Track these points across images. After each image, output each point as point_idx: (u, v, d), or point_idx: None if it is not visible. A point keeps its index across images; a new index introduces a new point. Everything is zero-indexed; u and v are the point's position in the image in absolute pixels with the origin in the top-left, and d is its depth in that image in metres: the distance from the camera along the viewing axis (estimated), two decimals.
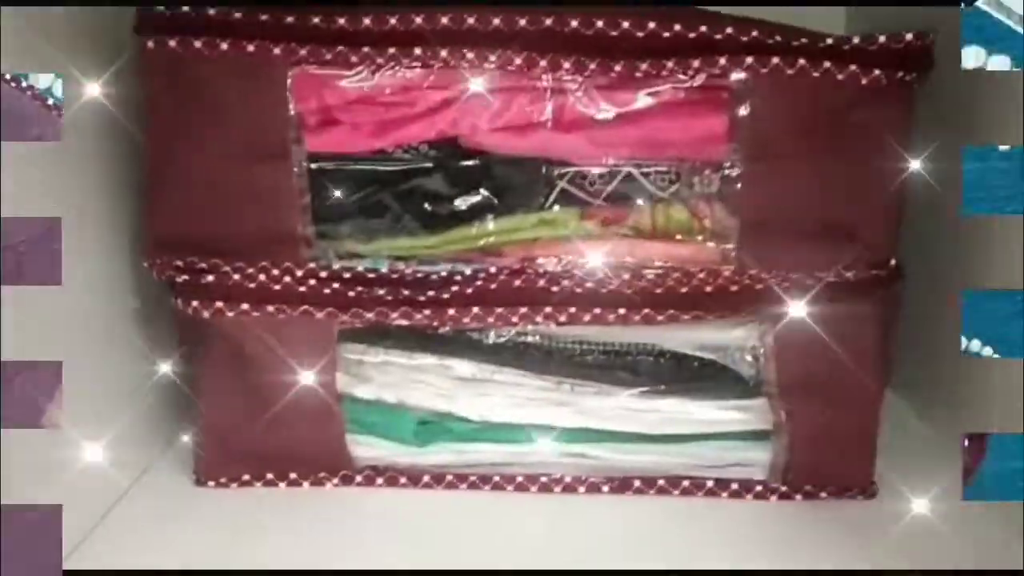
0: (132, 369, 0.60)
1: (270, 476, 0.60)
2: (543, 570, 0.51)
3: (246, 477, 0.60)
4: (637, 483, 0.59)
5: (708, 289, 0.56)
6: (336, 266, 0.57)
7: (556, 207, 0.57)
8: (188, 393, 0.59)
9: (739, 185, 0.54)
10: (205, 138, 0.54)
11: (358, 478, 0.60)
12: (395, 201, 0.56)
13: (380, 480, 0.60)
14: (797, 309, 0.55)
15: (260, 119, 0.53)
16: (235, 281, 0.56)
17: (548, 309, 0.56)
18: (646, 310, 0.56)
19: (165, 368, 0.61)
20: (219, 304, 0.56)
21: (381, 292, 0.56)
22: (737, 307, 0.56)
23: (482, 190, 0.56)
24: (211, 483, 0.60)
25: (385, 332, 0.58)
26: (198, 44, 0.52)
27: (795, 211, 0.54)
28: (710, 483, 0.59)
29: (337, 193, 0.56)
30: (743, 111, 0.53)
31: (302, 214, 0.55)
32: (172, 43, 0.53)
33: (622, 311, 0.56)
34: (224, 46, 0.52)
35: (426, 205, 0.56)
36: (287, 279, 0.56)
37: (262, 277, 0.56)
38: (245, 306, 0.56)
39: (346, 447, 0.59)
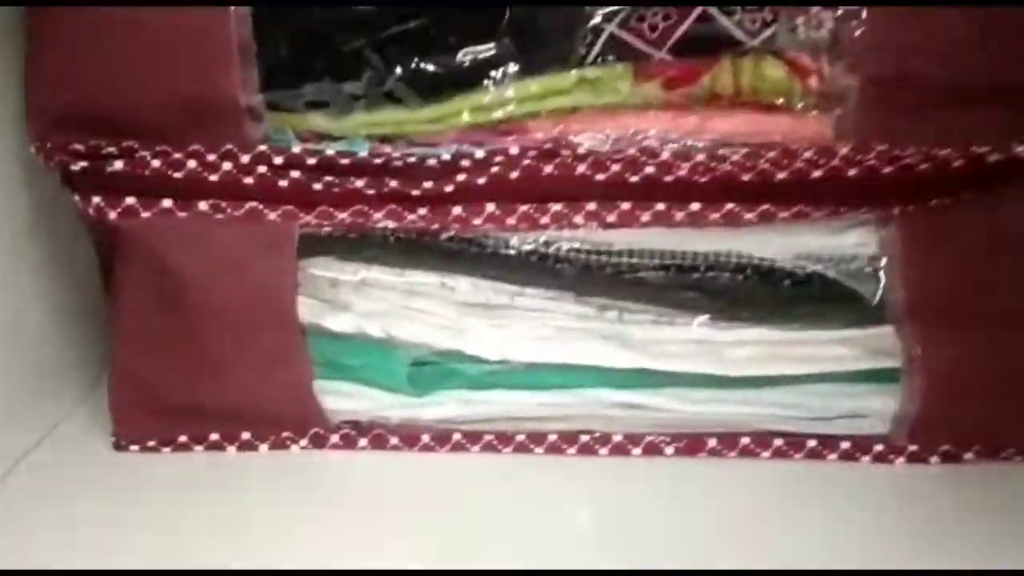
0: (36, 298, 0.45)
1: (214, 437, 0.45)
2: (585, 571, 0.36)
3: (182, 439, 0.45)
4: (712, 443, 0.44)
5: (815, 175, 0.40)
6: (296, 149, 0.41)
7: (602, 62, 0.41)
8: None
9: (862, 27, 0.39)
10: None
11: (334, 438, 0.45)
12: (376, 54, 0.40)
13: (363, 441, 0.45)
14: (940, 199, 0.40)
15: None
16: (154, 169, 0.40)
17: (591, 206, 0.41)
18: (729, 205, 0.40)
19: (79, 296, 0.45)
20: (130, 201, 0.40)
21: (359, 184, 0.40)
22: (855, 200, 0.41)
23: (499, 39, 0.40)
24: (134, 447, 0.45)
25: (366, 241, 0.43)
26: None
27: (944, 61, 0.39)
28: (812, 442, 0.43)
29: (293, 44, 0.40)
30: None
31: (244, 75, 0.40)
32: None
33: (694, 207, 0.40)
34: None
35: (420, 60, 0.40)
36: (227, 166, 0.40)
37: (192, 164, 0.40)
38: (167, 203, 0.40)
39: (315, 398, 0.43)
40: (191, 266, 0.40)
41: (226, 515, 0.40)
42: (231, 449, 0.45)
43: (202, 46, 0.39)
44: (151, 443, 0.45)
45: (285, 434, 0.45)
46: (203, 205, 0.40)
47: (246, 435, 0.45)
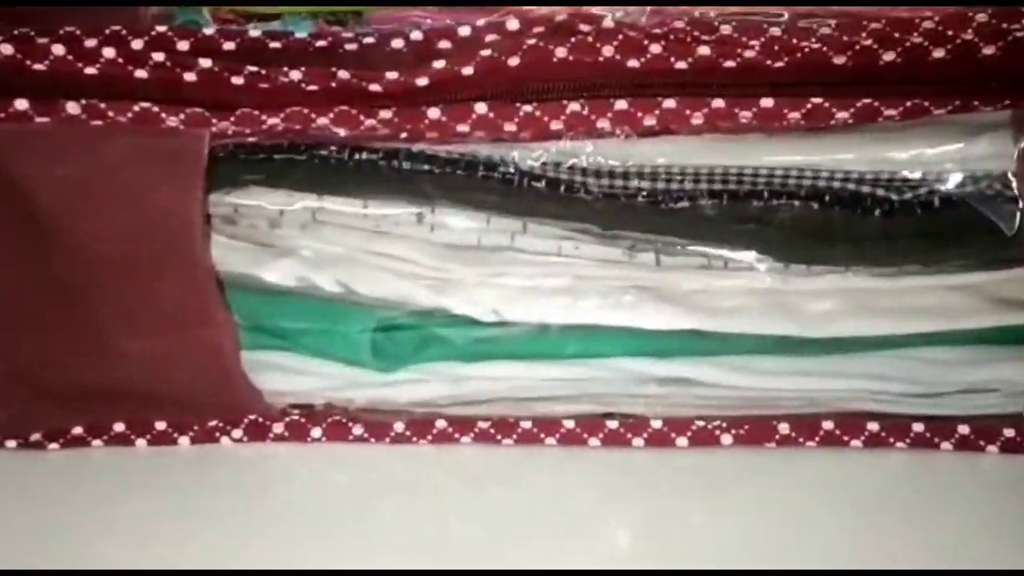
0: None
1: (119, 428, 0.34)
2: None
3: (76, 431, 0.34)
4: (784, 428, 0.33)
5: (937, 55, 0.28)
6: (209, 30, 0.29)
7: None
8: None
9: None
10: None
11: (278, 428, 0.34)
12: None
13: (317, 431, 0.34)
14: None
15: None
16: (5, 59, 0.28)
17: (621, 104, 0.30)
18: (815, 100, 0.29)
19: None
20: None
21: (296, 76, 0.29)
22: (995, 85, 0.29)
23: None
24: (11, 443, 0.33)
25: (314, 161, 0.31)
26: None
27: None
28: (919, 426, 0.32)
29: None
30: None
31: None
32: None
33: (766, 103, 0.29)
34: None
35: None
36: (109, 52, 0.29)
37: (59, 50, 0.28)
38: (21, 104, 0.28)
39: (244, 375, 0.32)
40: (58, 193, 0.29)
41: (136, 530, 0.30)
42: (141, 443, 0.34)
43: None
44: (34, 437, 0.33)
45: (212, 423, 0.34)
46: (73, 107, 0.28)
47: (160, 425, 0.34)
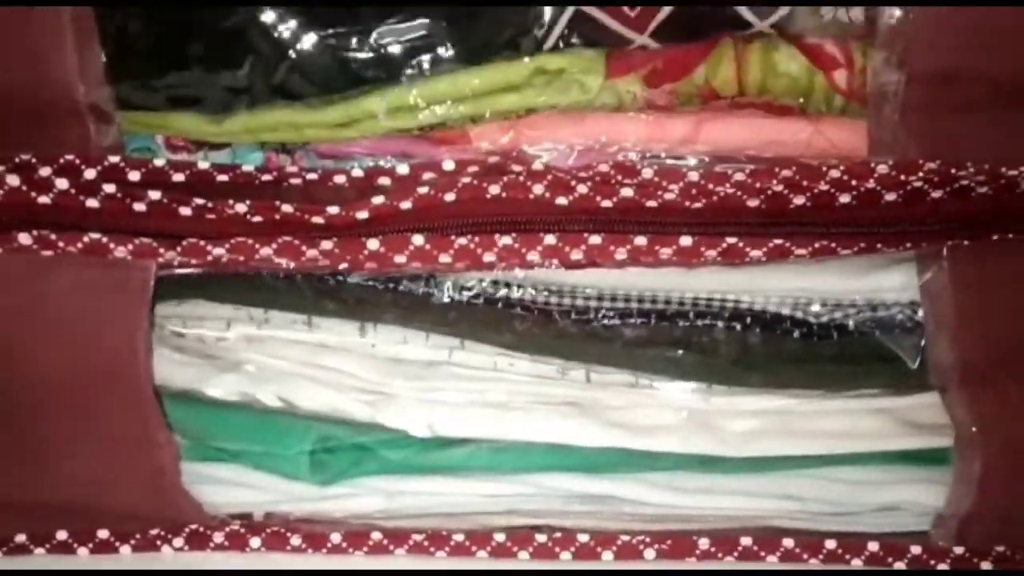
0: None
1: (61, 536, 0.34)
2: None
3: (18, 539, 0.34)
4: (704, 543, 0.34)
5: (843, 200, 0.30)
6: (159, 161, 0.31)
7: (566, 48, 0.31)
8: None
9: (911, 7, 0.29)
10: None
11: (218, 537, 0.35)
12: (263, 35, 0.30)
13: (256, 541, 0.35)
14: (1004, 232, 0.31)
15: None
16: None
17: (550, 239, 0.31)
18: (730, 239, 0.31)
19: None
20: None
21: (241, 209, 0.30)
22: (895, 233, 0.31)
23: (426, 14, 0.30)
24: None
25: (258, 276, 0.33)
26: None
27: (1016, 50, 0.29)
28: (832, 543, 0.34)
29: (150, 18, 0.30)
30: None
31: (82, 59, 0.30)
32: None
33: (685, 242, 0.31)
34: None
35: (322, 42, 0.30)
36: (62, 184, 0.30)
37: (13, 180, 0.30)
38: None
39: (181, 487, 0.34)
40: (8, 321, 0.30)
41: None
42: (83, 551, 0.34)
43: (21, 20, 0.29)
44: None
45: (153, 532, 0.34)
46: (24, 237, 0.30)
47: (103, 533, 0.34)
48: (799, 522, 0.34)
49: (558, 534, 0.34)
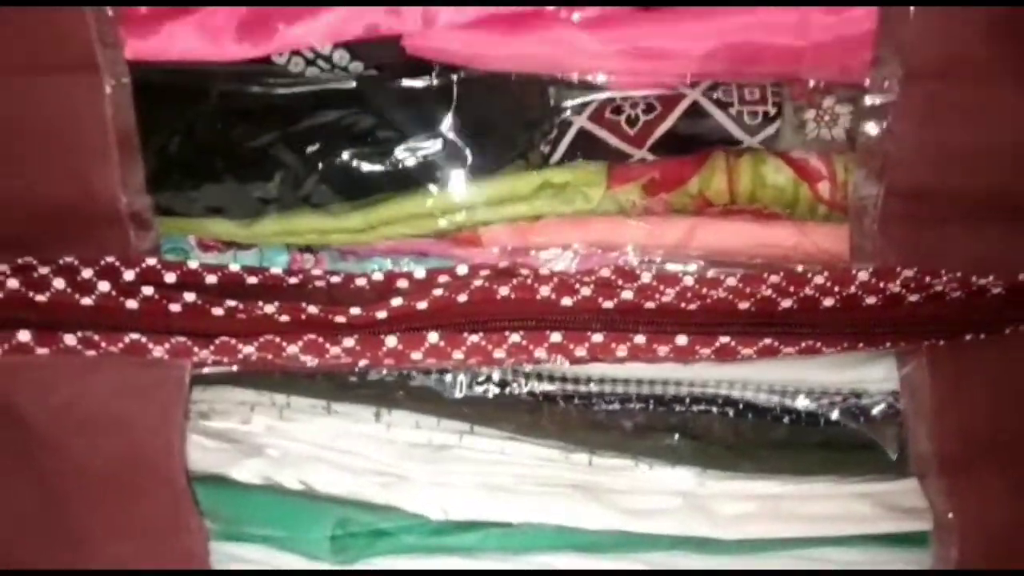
0: None
1: None
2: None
3: None
4: None
5: (827, 304, 0.33)
6: (193, 264, 0.33)
7: (570, 162, 0.34)
8: None
9: (890, 123, 0.32)
10: None
11: None
12: (291, 151, 0.32)
13: None
14: (976, 333, 0.34)
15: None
16: (10, 291, 0.32)
17: (555, 337, 0.34)
18: (722, 339, 0.33)
19: None
20: None
21: (270, 310, 0.32)
22: (877, 331, 0.34)
23: (443, 131, 0.33)
24: None
25: (280, 374, 0.35)
26: None
27: (989, 168, 0.32)
28: None
29: (187, 137, 0.32)
30: None
31: (126, 173, 0.32)
32: None
33: (682, 340, 0.33)
34: None
35: (347, 157, 0.33)
36: (104, 286, 0.32)
37: (59, 283, 0.32)
38: (24, 336, 0.32)
39: (211, 568, 0.35)
40: (52, 419, 0.33)
41: None
42: None
43: (71, 136, 0.31)
44: None
45: None
46: (70, 339, 0.32)
47: None
48: None
49: None
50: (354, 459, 0.36)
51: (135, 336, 0.32)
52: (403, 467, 0.36)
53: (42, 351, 0.32)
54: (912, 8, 0.30)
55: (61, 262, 0.33)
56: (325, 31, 0.31)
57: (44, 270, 0.32)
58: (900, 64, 0.31)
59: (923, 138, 0.32)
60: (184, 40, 0.31)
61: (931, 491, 0.35)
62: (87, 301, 0.32)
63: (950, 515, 0.34)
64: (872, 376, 0.35)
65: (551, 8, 0.31)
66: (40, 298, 0.32)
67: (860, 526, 0.35)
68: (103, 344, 0.32)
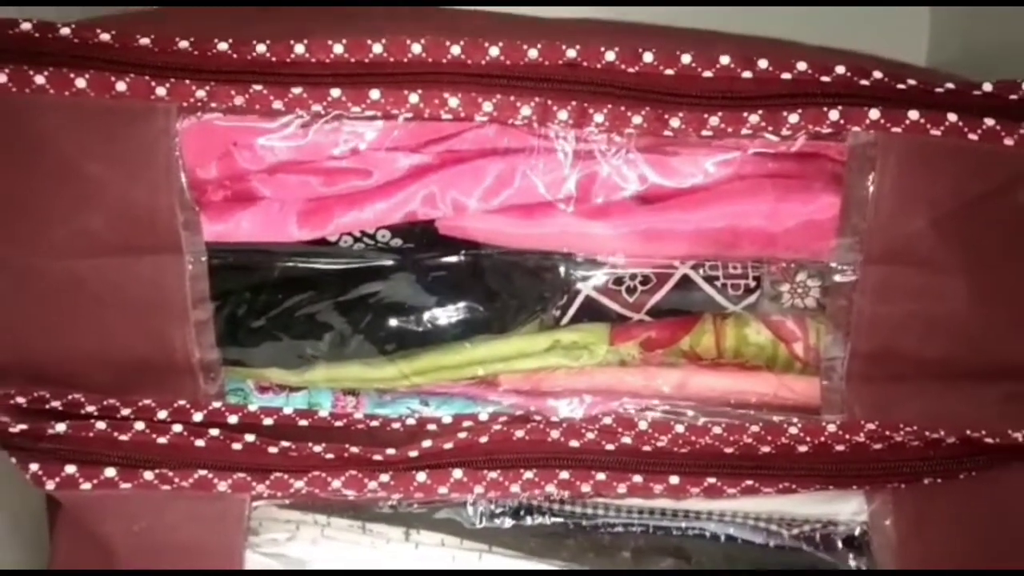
0: None
1: None
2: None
3: None
4: None
5: (802, 449, 0.38)
6: (253, 407, 0.39)
7: (577, 324, 0.39)
8: None
9: (852, 298, 0.37)
10: (48, 219, 0.36)
11: None
12: (339, 315, 0.38)
13: None
14: (934, 478, 0.38)
15: (133, 193, 0.36)
16: (99, 431, 0.37)
17: (564, 475, 0.38)
18: (710, 479, 0.38)
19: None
20: (70, 470, 0.37)
21: (317, 450, 0.38)
22: (845, 475, 0.39)
23: (469, 300, 0.38)
24: None
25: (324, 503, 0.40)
26: (41, 79, 0.35)
27: (936, 338, 0.37)
28: None
29: (254, 302, 0.38)
30: (862, 190, 0.36)
31: (199, 332, 0.37)
32: (1, 77, 0.35)
33: (674, 480, 0.38)
34: (81, 83, 0.35)
35: (386, 321, 0.38)
36: (177, 428, 0.38)
37: (139, 425, 0.37)
38: (110, 472, 0.37)
39: None
40: (133, 544, 0.37)
41: None
42: None
43: (155, 303, 0.37)
44: None
45: None
46: (148, 475, 0.37)
47: None
48: None
49: None
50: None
51: (203, 472, 0.37)
52: None
53: (125, 486, 0.37)
54: (870, 199, 0.36)
55: (140, 404, 0.38)
56: (372, 218, 0.37)
57: (126, 411, 0.38)
58: (859, 250, 0.36)
59: (879, 311, 0.37)
60: (252, 226, 0.37)
61: None
62: (162, 440, 0.38)
63: None
64: (845, 510, 0.40)
65: (558, 200, 0.37)
66: (123, 438, 0.37)
67: None
68: (176, 479, 0.37)
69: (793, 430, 0.38)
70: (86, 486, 0.37)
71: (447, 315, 0.38)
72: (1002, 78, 0.36)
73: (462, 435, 0.38)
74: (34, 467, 0.37)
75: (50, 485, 0.37)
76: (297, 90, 0.35)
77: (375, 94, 0.35)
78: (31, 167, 0.35)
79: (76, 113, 0.35)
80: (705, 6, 0.58)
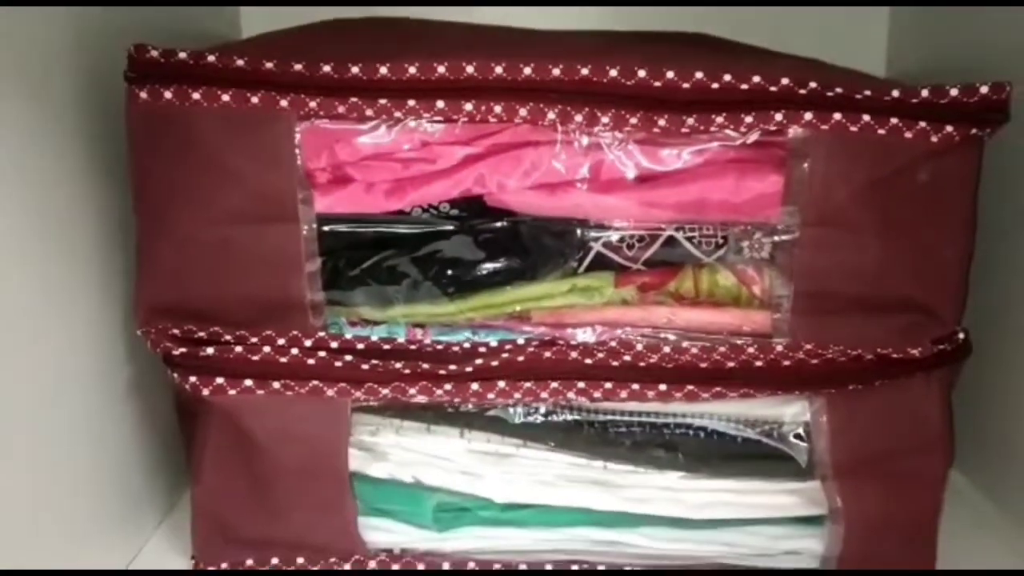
0: (126, 442, 0.56)
1: (275, 561, 0.55)
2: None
3: (249, 562, 0.55)
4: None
5: (758, 364, 0.50)
6: (348, 335, 0.52)
7: (590, 272, 0.52)
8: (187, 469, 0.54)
9: (794, 251, 0.49)
10: (203, 200, 0.49)
11: (372, 564, 0.55)
12: (413, 266, 0.51)
13: (396, 566, 0.55)
14: (856, 385, 0.50)
15: (265, 178, 0.48)
16: (237, 354, 0.50)
17: (581, 384, 0.51)
18: (689, 387, 0.50)
19: (160, 439, 0.56)
20: (220, 380, 0.50)
21: (398, 366, 0.51)
22: (790, 383, 0.51)
23: (509, 254, 0.51)
24: (210, 567, 0.55)
25: (402, 407, 0.53)
26: (197, 95, 0.47)
27: (856, 281, 0.49)
28: (757, 574, 0.54)
29: (350, 258, 0.51)
30: (800, 171, 0.48)
31: (311, 280, 0.50)
32: (168, 94, 0.47)
33: (663, 387, 0.51)
34: (226, 97, 0.47)
35: (447, 271, 0.51)
36: (295, 351, 0.51)
37: (267, 349, 0.51)
38: (249, 382, 0.50)
39: (358, 531, 0.54)
40: (265, 433, 0.51)
41: None
42: (289, 570, 0.55)
43: (278, 259, 0.49)
44: (223, 564, 0.55)
45: (332, 559, 0.54)
46: (277, 385, 0.50)
47: (300, 560, 0.54)
48: (734, 560, 0.54)
49: (585, 565, 0.54)
50: (446, 463, 0.53)
51: (315, 382, 0.50)
52: (479, 468, 0.53)
53: (259, 392, 0.51)
54: (806, 179, 0.48)
55: (264, 334, 0.51)
56: (437, 194, 0.49)
57: (254, 339, 0.51)
58: (799, 216, 0.48)
59: (814, 262, 0.48)
60: (349, 201, 0.50)
61: (827, 489, 0.51)
62: (283, 359, 0.51)
63: (839, 504, 0.51)
64: (791, 411, 0.52)
65: (575, 180, 0.49)
66: (254, 358, 0.51)
67: (782, 511, 0.53)
68: (296, 388, 0.50)
69: (751, 350, 0.50)
70: (232, 392, 0.50)
71: (492, 266, 0.51)
72: (950, 74, 0.48)
73: (504, 356, 0.50)
74: (193, 379, 0.51)
75: (205, 392, 0.51)
76: (383, 101, 0.47)
77: (440, 104, 0.47)
78: (190, 161, 0.48)
79: (222, 120, 0.47)
80: (680, 6, 0.70)
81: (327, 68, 0.47)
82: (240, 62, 0.47)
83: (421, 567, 0.55)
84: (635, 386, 0.51)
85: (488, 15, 0.72)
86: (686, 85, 0.47)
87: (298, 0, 0.75)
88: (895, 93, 0.47)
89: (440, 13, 0.66)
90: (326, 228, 0.50)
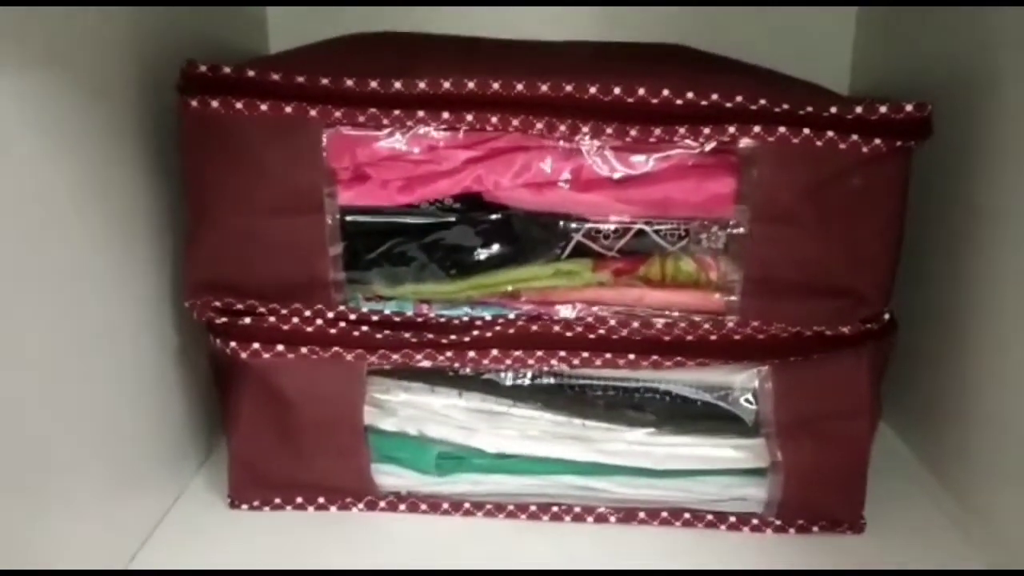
0: (173, 397, 0.65)
1: (299, 500, 0.64)
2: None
3: (277, 501, 0.64)
4: (642, 514, 0.63)
5: (713, 338, 0.59)
6: (364, 309, 0.60)
7: (571, 259, 0.60)
8: (222, 422, 0.64)
9: (744, 243, 0.58)
10: (244, 193, 0.57)
11: (382, 504, 0.64)
12: (421, 251, 0.60)
13: (402, 506, 0.64)
14: (796, 357, 0.59)
15: (296, 175, 0.57)
16: (271, 324, 0.59)
17: (562, 353, 0.60)
18: (654, 356, 0.59)
19: (199, 397, 0.65)
20: (255, 346, 0.59)
21: (407, 335, 0.59)
22: (740, 354, 0.59)
23: (503, 242, 0.59)
24: (244, 506, 0.64)
25: (409, 370, 0.62)
26: (239, 105, 0.56)
27: (796, 269, 0.57)
28: (710, 516, 0.63)
29: (367, 243, 0.60)
30: (750, 175, 0.56)
31: (334, 262, 0.59)
32: (215, 103, 0.56)
33: (632, 356, 0.59)
34: (264, 107, 0.56)
35: (450, 255, 0.60)
36: (319, 322, 0.59)
37: (295, 320, 0.59)
38: (280, 348, 0.59)
39: (371, 476, 0.63)
40: (293, 391, 0.59)
41: (309, 548, 0.60)
42: (310, 509, 0.64)
43: (307, 244, 0.58)
44: (255, 503, 0.64)
45: (348, 500, 0.64)
46: (304, 350, 0.59)
47: (321, 500, 0.64)
48: (693, 505, 0.63)
49: (564, 506, 0.63)
50: (447, 419, 0.62)
51: (336, 348, 0.59)
52: (474, 424, 0.62)
53: (290, 356, 0.59)
54: (755, 182, 0.57)
55: (293, 307, 0.60)
56: (441, 191, 0.58)
57: (284, 311, 0.60)
58: (748, 212, 0.57)
59: (761, 252, 0.57)
60: (367, 196, 0.58)
61: (770, 445, 0.60)
62: (309, 329, 0.60)
63: (780, 458, 0.60)
64: (741, 379, 0.61)
65: (560, 181, 0.58)
66: (285, 327, 0.60)
67: (732, 464, 0.61)
68: (320, 353, 0.59)
69: (707, 326, 0.59)
70: (265, 356, 0.59)
71: (488, 252, 0.59)
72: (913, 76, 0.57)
73: (497, 328, 0.59)
74: (232, 344, 0.60)
75: (244, 355, 0.59)
76: (397, 112, 0.55)
77: (445, 114, 0.56)
78: (232, 160, 0.56)
79: (260, 126, 0.56)
80: (652, 6, 0.79)
81: (350, 83, 0.56)
82: (275, 76, 0.56)
83: (424, 507, 0.64)
84: (608, 355, 0.59)
85: (488, 15, 0.81)
86: (655, 101, 0.56)
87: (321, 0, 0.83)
88: (833, 110, 0.56)
89: (444, 13, 0.74)
90: (348, 218, 0.58)
